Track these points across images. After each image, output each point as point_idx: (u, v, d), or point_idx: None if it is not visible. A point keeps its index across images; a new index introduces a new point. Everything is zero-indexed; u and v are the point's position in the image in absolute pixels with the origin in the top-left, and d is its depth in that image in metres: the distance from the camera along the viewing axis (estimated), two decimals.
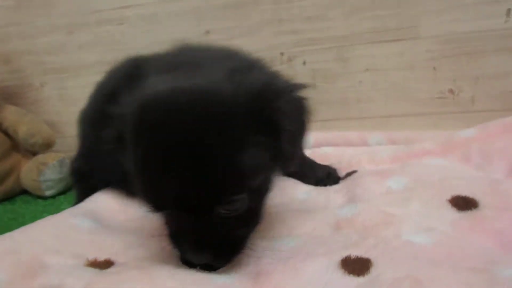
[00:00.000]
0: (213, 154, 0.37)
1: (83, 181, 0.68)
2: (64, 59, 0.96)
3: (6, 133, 0.93)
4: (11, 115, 0.92)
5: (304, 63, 0.84)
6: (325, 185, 0.65)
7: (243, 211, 0.40)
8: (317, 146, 0.82)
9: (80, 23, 0.92)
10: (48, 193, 0.90)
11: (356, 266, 0.40)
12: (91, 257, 0.47)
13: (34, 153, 0.97)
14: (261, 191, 0.44)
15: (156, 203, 0.40)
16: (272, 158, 0.42)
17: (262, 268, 0.42)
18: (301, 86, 0.47)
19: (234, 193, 0.39)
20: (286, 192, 0.64)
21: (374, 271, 0.39)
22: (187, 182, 0.37)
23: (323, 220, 0.53)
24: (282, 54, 0.85)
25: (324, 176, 0.66)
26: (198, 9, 0.86)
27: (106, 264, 0.46)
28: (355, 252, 0.42)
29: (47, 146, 0.94)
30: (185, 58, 0.50)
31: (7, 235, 0.49)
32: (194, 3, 0.86)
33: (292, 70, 0.85)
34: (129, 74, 0.54)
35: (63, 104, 1.00)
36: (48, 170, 0.89)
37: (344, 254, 0.42)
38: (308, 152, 0.82)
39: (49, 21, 0.94)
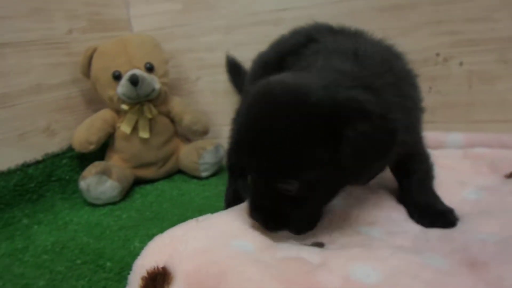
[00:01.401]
0: (283, 144, 0.48)
1: (234, 169, 0.76)
2: (219, 56, 1.08)
3: (172, 120, 1.07)
4: (178, 105, 1.06)
5: (461, 64, 0.85)
6: (437, 225, 0.57)
7: (295, 195, 0.50)
8: (470, 147, 0.83)
9: (238, 24, 1.04)
10: (204, 174, 1.03)
11: None
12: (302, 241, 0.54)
13: (188, 139, 1.12)
14: (315, 188, 0.51)
15: (242, 166, 0.54)
16: (334, 168, 0.48)
17: (476, 257, 0.46)
18: (388, 117, 0.49)
19: (289, 176, 0.49)
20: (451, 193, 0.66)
21: None
22: (263, 158, 0.49)
23: (509, 220, 0.54)
24: (437, 54, 0.87)
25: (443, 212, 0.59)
26: (355, 11, 0.91)
27: (320, 245, 0.54)
28: None
29: (205, 133, 1.08)
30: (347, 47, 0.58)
31: (237, 213, 0.58)
32: (352, 5, 0.91)
33: (447, 71, 0.86)
34: (308, 38, 0.65)
35: (214, 96, 1.14)
36: (206, 154, 1.02)
37: None
38: (460, 152, 0.84)
39: (211, 22, 1.07)
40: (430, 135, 0.88)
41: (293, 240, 0.54)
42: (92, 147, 0.97)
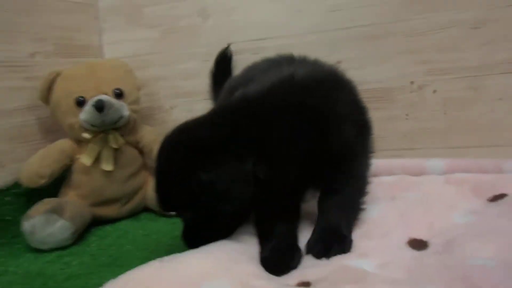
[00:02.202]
0: (170, 185, 0.58)
1: None
2: (196, 84, 1.05)
3: (141, 151, 0.98)
4: (148, 134, 0.98)
5: (435, 91, 0.89)
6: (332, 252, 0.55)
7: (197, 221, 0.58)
8: (451, 172, 0.83)
9: (217, 52, 1.02)
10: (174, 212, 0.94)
11: None
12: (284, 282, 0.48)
13: None
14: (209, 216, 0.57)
15: None
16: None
17: (479, 286, 0.42)
18: None
19: (179, 210, 0.60)
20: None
21: None
22: (161, 196, 0.60)
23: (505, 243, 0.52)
24: (412, 82, 0.90)
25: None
26: (331, 41, 0.94)
27: (306, 285, 0.47)
28: None
29: None
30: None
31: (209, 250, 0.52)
32: (330, 35, 0.94)
33: (422, 98, 0.89)
34: (269, 67, 0.70)
35: None
36: None
37: None
38: (442, 178, 0.84)
39: (188, 50, 1.05)
40: (410, 162, 0.90)
41: (275, 282, 0.48)
42: (43, 181, 0.85)
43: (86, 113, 0.85)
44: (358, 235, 0.60)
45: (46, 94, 0.90)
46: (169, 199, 0.58)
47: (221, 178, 0.53)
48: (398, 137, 0.92)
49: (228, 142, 0.54)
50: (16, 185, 0.86)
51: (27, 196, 0.87)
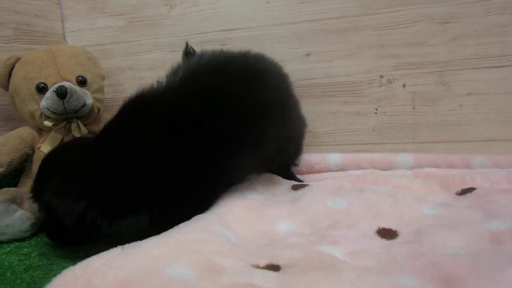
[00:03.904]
0: None
1: None
2: (162, 75, 1.01)
3: None
4: None
5: (404, 86, 0.87)
6: None
7: None
8: (419, 167, 0.83)
9: (184, 42, 0.99)
10: None
11: None
12: (254, 262, 0.46)
13: None
14: None
15: None
16: None
17: (449, 273, 0.42)
18: None
19: None
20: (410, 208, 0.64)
21: None
22: None
23: (474, 234, 0.52)
24: (381, 76, 0.88)
25: None
26: (300, 33, 0.91)
27: (273, 268, 0.46)
28: None
29: None
30: None
31: (169, 234, 0.50)
32: (297, 27, 0.91)
33: (391, 92, 0.88)
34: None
35: None
36: None
37: None
38: (410, 172, 0.83)
39: (155, 40, 1.01)
40: (379, 157, 0.89)
41: (244, 262, 0.46)
42: (1, 170, 0.80)
43: (47, 100, 0.81)
44: (326, 225, 0.60)
45: (5, 80, 0.85)
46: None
47: (58, 208, 0.60)
48: (367, 131, 0.91)
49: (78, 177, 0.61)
50: None
51: None
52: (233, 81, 0.67)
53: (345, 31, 0.89)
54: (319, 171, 0.90)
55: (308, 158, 0.90)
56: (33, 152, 0.85)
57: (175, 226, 0.54)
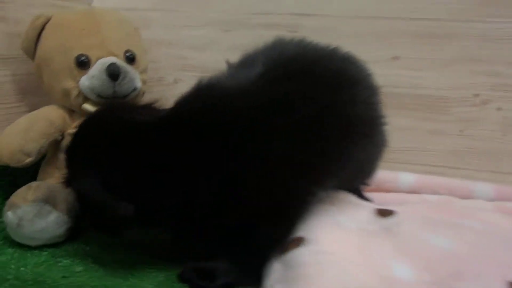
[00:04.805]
0: None
1: None
2: (209, 58, 0.85)
3: None
4: None
5: (499, 109, 0.77)
6: None
7: None
8: (500, 200, 0.74)
9: (241, 22, 0.82)
10: None
11: None
12: None
13: None
14: None
15: None
16: None
17: None
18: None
19: None
20: None
21: None
22: None
23: None
24: (476, 95, 0.78)
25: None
26: (385, 34, 0.78)
27: None
28: None
29: None
30: None
31: None
32: (380, 25, 0.78)
33: (483, 114, 0.78)
34: None
35: None
36: None
37: None
38: (490, 205, 0.76)
39: (204, 14, 0.84)
40: (457, 183, 0.80)
41: None
42: (28, 160, 0.64)
43: (93, 80, 0.64)
44: (447, 274, 0.48)
45: (33, 44, 0.67)
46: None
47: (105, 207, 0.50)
48: (444, 153, 0.81)
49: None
50: None
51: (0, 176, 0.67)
52: (323, 91, 0.54)
53: (439, 37, 0.76)
54: (387, 190, 0.80)
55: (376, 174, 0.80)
56: (62, 138, 0.68)
57: None
